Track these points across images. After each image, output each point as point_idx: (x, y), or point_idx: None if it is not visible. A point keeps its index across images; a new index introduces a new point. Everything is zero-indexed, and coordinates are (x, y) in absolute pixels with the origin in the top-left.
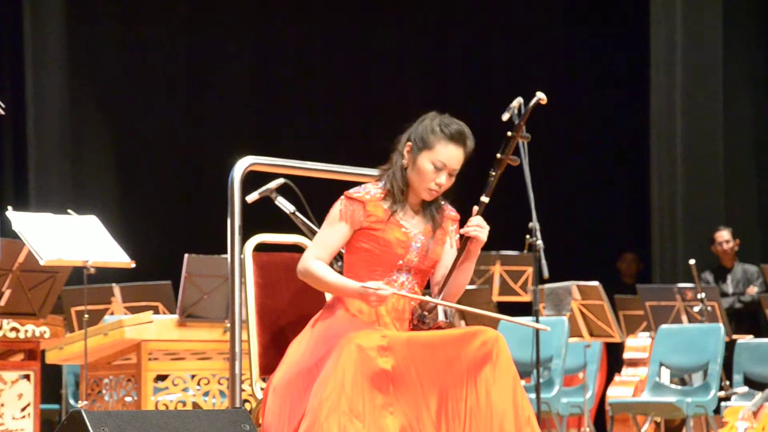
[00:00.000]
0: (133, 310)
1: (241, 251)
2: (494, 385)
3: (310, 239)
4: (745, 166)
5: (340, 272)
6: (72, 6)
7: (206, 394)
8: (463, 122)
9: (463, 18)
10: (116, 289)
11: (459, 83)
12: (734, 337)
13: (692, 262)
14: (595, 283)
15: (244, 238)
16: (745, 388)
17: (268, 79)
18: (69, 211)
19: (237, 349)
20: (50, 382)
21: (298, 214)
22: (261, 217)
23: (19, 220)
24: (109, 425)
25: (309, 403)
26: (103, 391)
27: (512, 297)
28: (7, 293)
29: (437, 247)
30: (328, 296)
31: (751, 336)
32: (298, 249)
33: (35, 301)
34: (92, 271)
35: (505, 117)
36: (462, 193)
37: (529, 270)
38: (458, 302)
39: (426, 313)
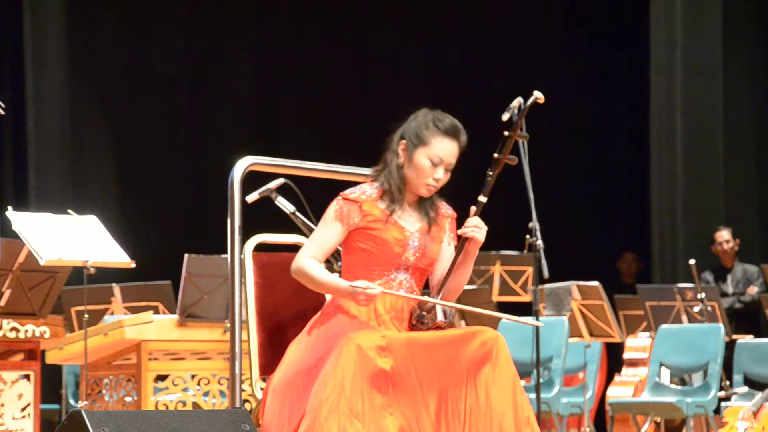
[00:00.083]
0: (133, 310)
1: (241, 251)
2: (494, 386)
3: None
4: (745, 166)
5: (340, 272)
6: (72, 6)
7: (206, 394)
8: (464, 122)
9: (463, 18)
10: (116, 289)
11: (459, 83)
12: (734, 337)
13: (692, 262)
14: (595, 283)
15: (244, 238)
16: (745, 388)
17: (268, 79)
18: (69, 211)
19: (237, 349)
20: (50, 382)
21: (298, 214)
22: (261, 217)
23: (19, 220)
24: (109, 425)
25: (309, 403)
26: (103, 391)
27: (512, 297)
28: (7, 293)
29: (434, 245)
30: (329, 296)
31: (751, 336)
32: (298, 249)
33: (35, 301)
34: (92, 271)
35: (505, 117)
36: (461, 193)
37: (529, 270)
38: (457, 302)
39: (425, 313)
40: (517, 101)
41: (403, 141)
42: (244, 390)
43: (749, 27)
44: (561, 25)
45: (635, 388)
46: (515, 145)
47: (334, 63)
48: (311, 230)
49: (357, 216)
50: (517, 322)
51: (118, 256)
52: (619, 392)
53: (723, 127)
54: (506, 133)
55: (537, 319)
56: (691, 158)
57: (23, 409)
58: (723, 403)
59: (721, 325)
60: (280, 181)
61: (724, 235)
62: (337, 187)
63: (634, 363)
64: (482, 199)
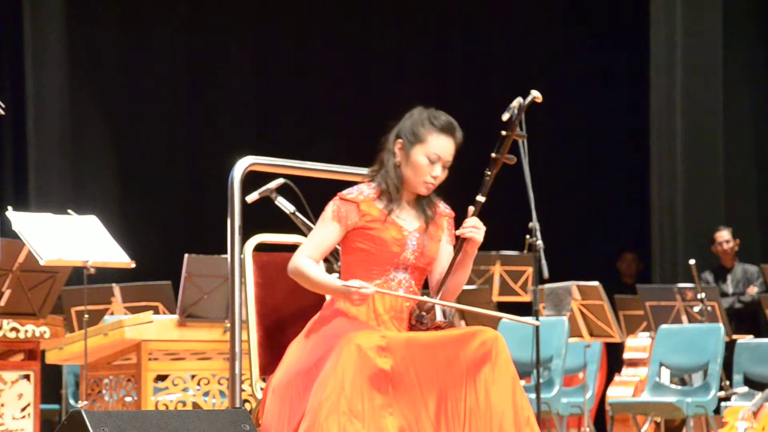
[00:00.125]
0: (133, 310)
1: (241, 251)
2: (493, 385)
3: None
4: (745, 166)
5: (339, 273)
6: (72, 6)
7: (206, 394)
8: (464, 122)
9: (463, 18)
10: (116, 289)
11: (459, 83)
12: (734, 337)
13: (692, 262)
14: (595, 283)
15: (244, 238)
16: (745, 388)
17: (268, 79)
18: (69, 211)
19: (237, 349)
20: (50, 382)
21: (298, 214)
22: (261, 217)
23: (19, 220)
24: (109, 425)
25: (308, 403)
26: (103, 391)
27: (512, 297)
28: (7, 293)
29: (432, 243)
30: (329, 296)
31: (751, 336)
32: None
33: (35, 301)
34: (92, 271)
35: (505, 117)
36: (460, 193)
37: (529, 270)
38: (457, 302)
39: (424, 313)
40: (517, 101)
41: (400, 140)
42: (244, 390)
43: (749, 27)
44: (561, 25)
45: (635, 388)
46: (515, 144)
47: (334, 63)
48: (311, 230)
49: (355, 216)
50: (515, 321)
51: (118, 256)
52: (619, 392)
53: (723, 127)
54: (503, 132)
55: (537, 319)
56: (691, 158)
57: (23, 409)
58: (723, 403)
59: (721, 325)
60: (280, 181)
61: (724, 235)
62: (337, 187)
63: (634, 363)
64: (480, 198)
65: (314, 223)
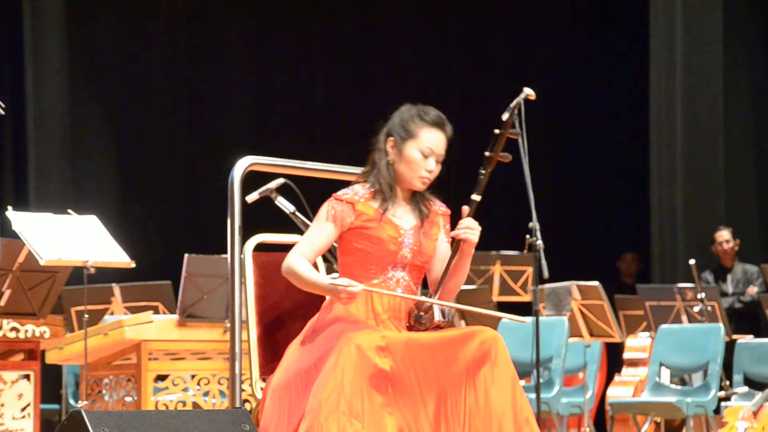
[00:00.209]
0: (133, 310)
1: (241, 251)
2: (493, 386)
3: None
4: (745, 166)
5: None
6: (72, 6)
7: (206, 394)
8: (464, 122)
9: (463, 18)
10: (116, 289)
11: (459, 83)
12: (734, 337)
13: (692, 262)
14: (595, 283)
15: (244, 238)
16: (745, 388)
17: (268, 78)
18: (69, 211)
19: (237, 349)
20: (50, 382)
21: (298, 214)
22: (261, 217)
23: (19, 220)
24: (109, 425)
25: (308, 403)
26: (103, 391)
27: (512, 297)
28: (7, 293)
29: (428, 241)
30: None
31: (751, 336)
32: None
33: (35, 301)
34: (92, 271)
35: (505, 117)
36: (459, 193)
37: (529, 270)
38: (456, 301)
39: (422, 313)
40: (517, 101)
41: (391, 138)
42: (244, 390)
43: (749, 27)
44: (561, 26)
45: (635, 388)
46: (515, 144)
47: (334, 63)
48: None
49: (351, 216)
50: (509, 319)
51: (118, 256)
52: (619, 392)
53: (723, 127)
54: (497, 131)
55: (537, 319)
56: (691, 158)
57: (23, 409)
58: (723, 403)
59: (721, 325)
60: (280, 181)
61: (724, 235)
62: (337, 187)
63: (634, 363)
64: (476, 197)
65: None
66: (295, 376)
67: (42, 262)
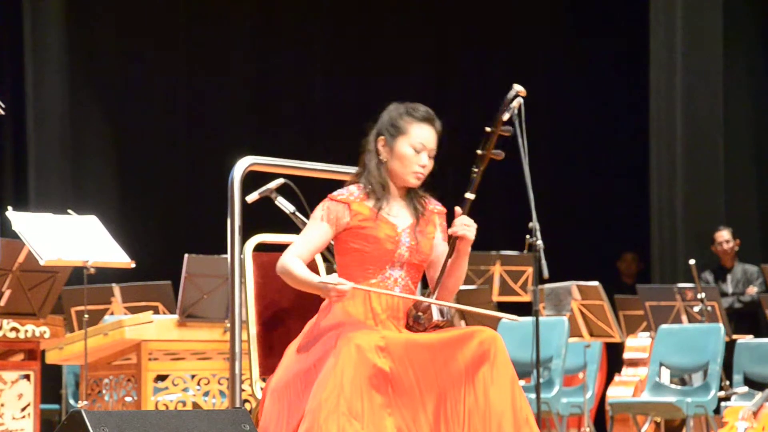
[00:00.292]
0: (133, 310)
1: (241, 251)
2: (492, 385)
3: None
4: (745, 166)
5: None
6: (72, 6)
7: (206, 394)
8: (464, 122)
9: (463, 19)
10: (116, 289)
11: (459, 84)
12: (734, 337)
13: (692, 262)
14: (595, 283)
15: (244, 238)
16: (745, 388)
17: (268, 79)
18: (69, 211)
19: (237, 349)
20: (50, 382)
21: (298, 214)
22: (261, 217)
23: (19, 220)
24: (109, 425)
25: (308, 404)
26: (103, 391)
27: (512, 297)
28: (7, 293)
29: (425, 239)
30: None
31: (751, 336)
32: None
33: (35, 301)
34: (92, 271)
35: (505, 117)
36: (458, 193)
37: (529, 270)
38: (456, 301)
39: (420, 313)
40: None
41: (382, 137)
42: (244, 390)
43: (749, 28)
44: (561, 26)
45: (635, 388)
46: (515, 144)
47: (334, 63)
48: None
49: (346, 216)
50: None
51: (118, 256)
52: (619, 392)
53: (723, 127)
54: (488, 129)
55: (537, 319)
56: (691, 158)
57: (23, 409)
58: (723, 403)
59: (721, 325)
60: (280, 181)
61: (724, 235)
62: (337, 187)
63: (634, 363)
64: (469, 196)
65: None
66: (295, 377)
67: (42, 262)
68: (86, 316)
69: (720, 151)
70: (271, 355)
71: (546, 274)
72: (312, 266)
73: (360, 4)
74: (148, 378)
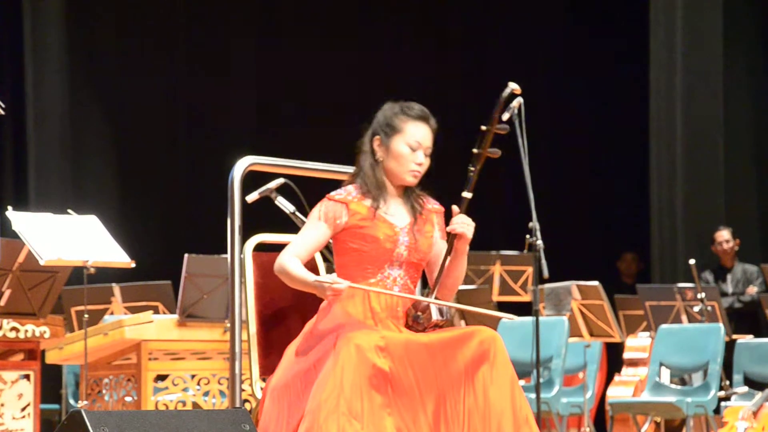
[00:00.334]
0: (133, 310)
1: (241, 251)
2: (492, 385)
3: None
4: (745, 166)
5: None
6: (72, 6)
7: (206, 394)
8: (464, 122)
9: (463, 18)
10: (116, 289)
11: (459, 83)
12: (734, 337)
13: (692, 262)
14: (595, 283)
15: (244, 238)
16: (745, 388)
17: (268, 78)
18: (69, 211)
19: (237, 349)
20: (50, 382)
21: (298, 214)
22: (261, 217)
23: (19, 220)
24: (109, 425)
25: (308, 404)
26: (103, 391)
27: (512, 297)
28: (7, 293)
29: (423, 238)
30: None
31: (751, 336)
32: None
33: (35, 301)
34: (92, 271)
35: (505, 117)
36: (458, 192)
37: (529, 270)
38: (456, 301)
39: (419, 313)
40: (518, 101)
41: (377, 137)
42: (244, 390)
43: (749, 28)
44: (561, 26)
45: (635, 388)
46: (515, 144)
47: (335, 62)
48: None
49: (345, 216)
50: (497, 317)
51: (118, 256)
52: (619, 392)
53: (723, 127)
54: (483, 127)
55: (537, 319)
56: (691, 158)
57: (23, 409)
58: (723, 403)
59: (721, 325)
60: (280, 181)
61: (724, 235)
62: (337, 187)
63: (634, 363)
64: (466, 195)
65: None
66: (295, 377)
67: (42, 262)
68: (86, 315)
69: (720, 151)
70: (270, 355)
71: (546, 273)
72: (312, 266)
73: (360, 4)
74: (148, 378)
